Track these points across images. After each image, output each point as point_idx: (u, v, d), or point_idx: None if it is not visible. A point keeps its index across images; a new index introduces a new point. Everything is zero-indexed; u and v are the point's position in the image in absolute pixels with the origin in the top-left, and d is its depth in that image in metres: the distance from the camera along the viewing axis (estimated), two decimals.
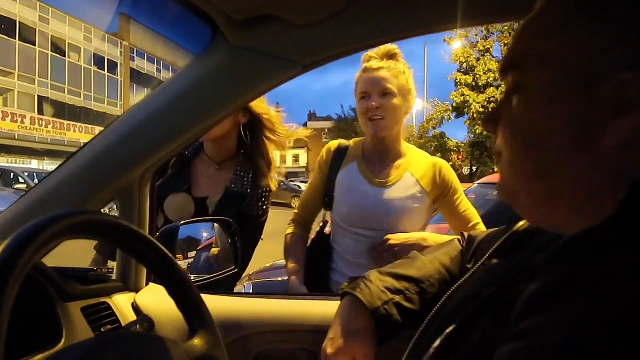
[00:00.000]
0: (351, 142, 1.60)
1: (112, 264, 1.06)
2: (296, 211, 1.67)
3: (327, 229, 1.63)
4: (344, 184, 1.50)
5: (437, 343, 0.58)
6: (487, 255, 0.69)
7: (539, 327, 0.34)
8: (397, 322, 0.79)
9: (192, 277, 1.15)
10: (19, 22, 29.40)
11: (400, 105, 1.46)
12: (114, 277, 1.02)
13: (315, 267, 1.53)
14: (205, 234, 1.34)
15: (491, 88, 17.93)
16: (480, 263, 0.70)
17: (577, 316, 0.32)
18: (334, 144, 1.60)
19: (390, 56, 1.46)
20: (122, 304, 0.94)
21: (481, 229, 1.50)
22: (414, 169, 1.50)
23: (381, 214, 1.43)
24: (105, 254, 1.62)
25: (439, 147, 21.47)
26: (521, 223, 0.70)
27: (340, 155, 1.56)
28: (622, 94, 0.41)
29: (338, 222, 1.51)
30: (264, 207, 1.67)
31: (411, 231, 1.45)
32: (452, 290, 0.69)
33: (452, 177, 1.53)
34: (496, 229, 0.82)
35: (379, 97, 1.44)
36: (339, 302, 0.84)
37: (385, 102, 1.43)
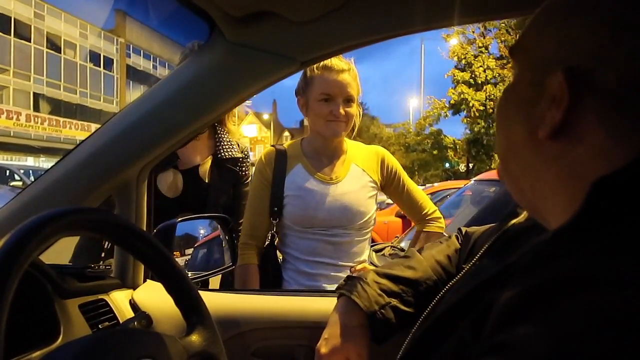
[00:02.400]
0: (285, 145, 1.55)
1: (110, 261, 1.06)
2: (245, 232, 1.51)
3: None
4: (294, 187, 1.45)
5: (415, 342, 0.59)
6: (479, 254, 0.69)
7: (519, 339, 0.32)
8: (393, 325, 0.79)
9: (190, 274, 1.15)
10: (14, 19, 29.23)
11: (356, 111, 1.46)
12: (111, 274, 1.02)
13: (267, 280, 1.47)
14: (202, 231, 1.34)
15: (489, 85, 17.93)
16: (471, 263, 0.70)
17: (563, 326, 0.31)
18: (271, 150, 1.53)
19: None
20: (119, 300, 0.94)
21: (433, 211, 1.59)
22: (357, 160, 1.51)
23: (338, 210, 1.42)
24: None
25: (436, 144, 21.50)
26: (514, 221, 0.69)
27: (281, 158, 1.49)
28: (556, 89, 0.45)
29: (291, 226, 1.45)
30: (249, 168, 1.82)
31: (366, 222, 1.46)
32: (444, 290, 0.69)
33: (394, 163, 1.56)
34: (492, 225, 0.81)
35: (344, 103, 1.42)
36: (335, 299, 0.85)
37: (349, 109, 1.43)
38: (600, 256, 0.35)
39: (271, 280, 1.47)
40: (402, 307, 0.81)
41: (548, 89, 0.46)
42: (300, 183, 1.45)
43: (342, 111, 1.41)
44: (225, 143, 1.74)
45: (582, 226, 0.40)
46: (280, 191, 1.45)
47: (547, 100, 0.46)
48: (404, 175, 1.57)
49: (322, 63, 1.41)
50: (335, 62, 1.41)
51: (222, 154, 1.72)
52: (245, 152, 1.84)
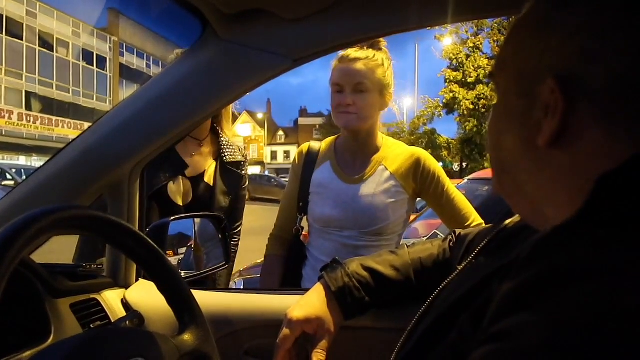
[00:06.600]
0: (322, 143, 1.54)
1: (102, 260, 1.05)
2: (275, 224, 1.58)
3: (302, 235, 1.55)
4: (317, 185, 1.45)
5: (415, 340, 0.59)
6: (475, 253, 0.70)
7: (517, 327, 0.33)
8: (363, 312, 0.87)
9: (182, 273, 1.15)
10: (6, 17, 28.99)
11: (374, 101, 1.38)
12: (103, 273, 1.01)
13: (288, 274, 1.50)
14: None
15: (480, 85, 18.00)
16: (467, 261, 0.70)
17: (560, 314, 0.31)
18: (305, 146, 1.55)
19: (372, 44, 1.36)
20: (111, 300, 0.93)
21: (478, 224, 1.41)
22: (388, 162, 1.42)
23: (353, 212, 1.37)
24: None
25: (429, 143, 21.58)
26: (509, 220, 0.70)
27: (312, 156, 1.50)
28: (548, 97, 0.45)
29: (312, 224, 1.47)
30: (247, 171, 1.89)
31: (387, 227, 1.39)
32: (440, 288, 0.69)
33: (433, 167, 1.42)
34: (487, 226, 0.82)
35: (352, 93, 1.36)
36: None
37: (358, 98, 1.36)
38: (597, 248, 0.35)
39: (290, 274, 1.49)
40: (374, 303, 0.87)
41: (539, 98, 0.46)
42: (322, 181, 1.45)
43: (349, 100, 1.35)
44: (229, 147, 1.78)
45: (581, 221, 0.40)
46: (307, 187, 1.47)
47: (540, 109, 0.46)
48: (445, 181, 1.43)
49: (339, 54, 1.38)
50: (351, 51, 1.35)
51: (227, 158, 1.75)
52: (245, 155, 1.88)
